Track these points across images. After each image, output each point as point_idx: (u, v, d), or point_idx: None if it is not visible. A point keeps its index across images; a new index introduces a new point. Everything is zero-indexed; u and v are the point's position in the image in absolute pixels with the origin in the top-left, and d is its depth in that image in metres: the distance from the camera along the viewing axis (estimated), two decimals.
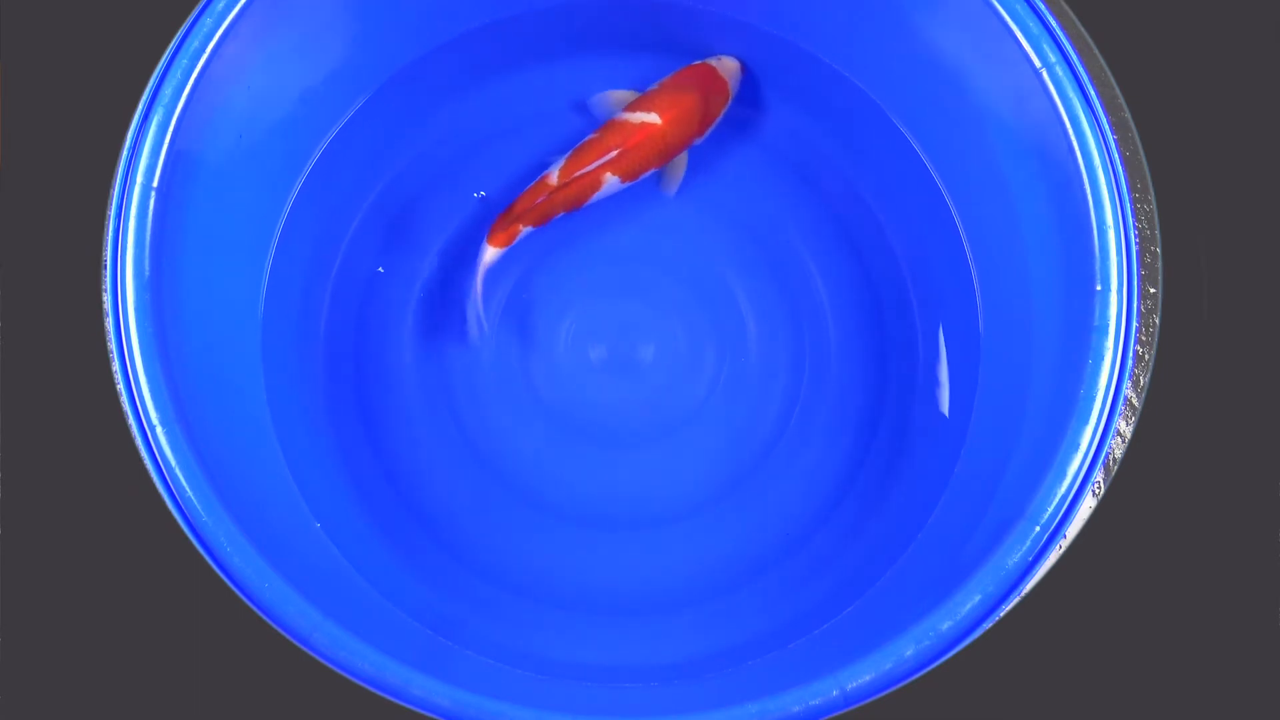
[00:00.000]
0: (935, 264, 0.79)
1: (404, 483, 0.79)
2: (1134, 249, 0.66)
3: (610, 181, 0.78)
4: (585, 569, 0.79)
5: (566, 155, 0.78)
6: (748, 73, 0.81)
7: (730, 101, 0.80)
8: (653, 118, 0.78)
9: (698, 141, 0.80)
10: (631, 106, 0.79)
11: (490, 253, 0.78)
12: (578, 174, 0.78)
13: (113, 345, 0.65)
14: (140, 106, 0.66)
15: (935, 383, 0.78)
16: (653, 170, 0.79)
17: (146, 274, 0.66)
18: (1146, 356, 0.67)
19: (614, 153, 0.78)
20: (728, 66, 0.79)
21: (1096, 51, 0.69)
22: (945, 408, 0.77)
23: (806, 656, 0.71)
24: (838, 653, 0.65)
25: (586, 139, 0.78)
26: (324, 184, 0.78)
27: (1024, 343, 0.72)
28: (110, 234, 0.66)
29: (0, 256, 0.77)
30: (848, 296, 0.81)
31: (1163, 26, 0.79)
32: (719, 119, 0.80)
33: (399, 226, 0.81)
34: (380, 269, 0.80)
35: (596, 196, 0.79)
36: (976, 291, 0.77)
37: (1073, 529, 0.64)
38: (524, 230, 0.78)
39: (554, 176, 0.78)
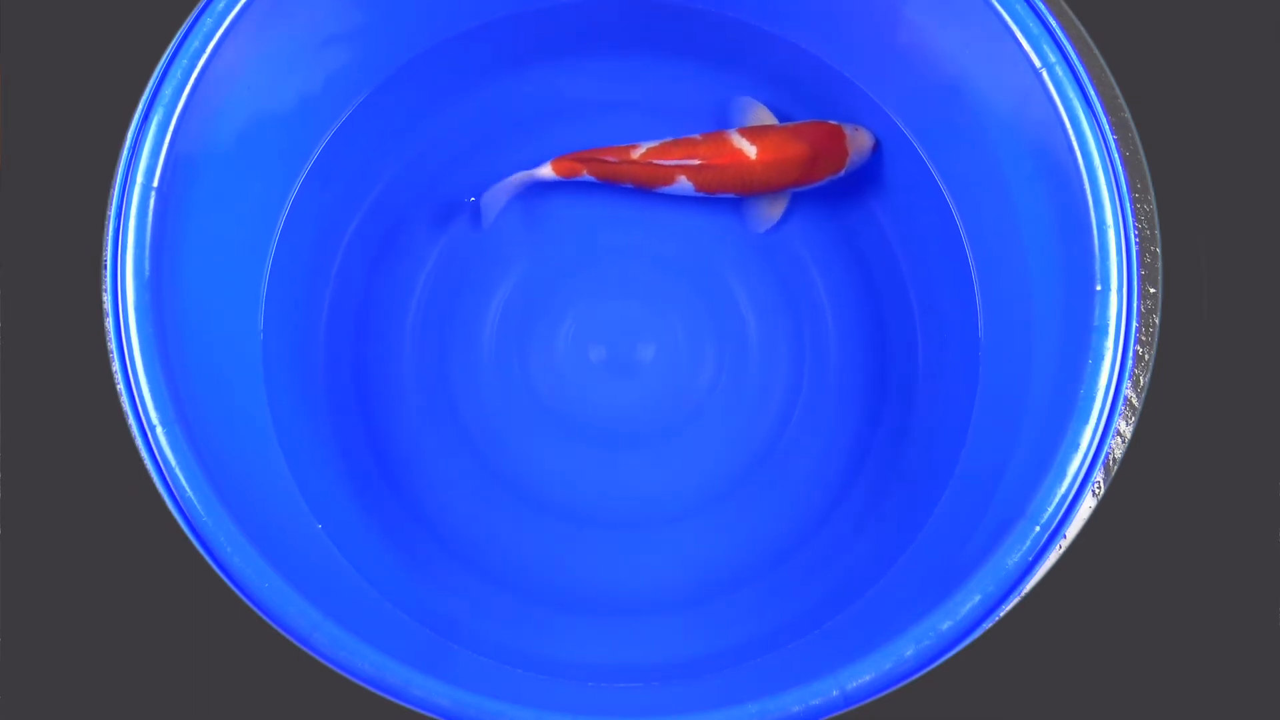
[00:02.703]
0: (935, 264, 0.79)
1: (404, 483, 0.79)
2: (1134, 249, 0.66)
3: (683, 184, 0.79)
4: (585, 569, 0.79)
5: (666, 139, 0.79)
6: (878, 152, 0.80)
7: (845, 171, 0.79)
8: (751, 150, 0.78)
9: (795, 189, 0.80)
10: (746, 130, 0.79)
11: (545, 170, 0.79)
12: (657, 161, 0.78)
13: (113, 345, 0.65)
14: (140, 106, 0.66)
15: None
16: (734, 194, 0.79)
17: (146, 274, 0.66)
18: (1146, 356, 0.67)
19: (698, 161, 0.78)
20: (859, 140, 0.79)
21: (1096, 51, 0.68)
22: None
23: (806, 656, 0.71)
24: (837, 653, 0.65)
25: (692, 135, 0.79)
26: (324, 183, 0.78)
27: (1024, 343, 0.72)
28: (110, 234, 0.66)
29: (0, 256, 0.77)
30: (848, 297, 0.81)
31: (1163, 26, 0.79)
32: (824, 180, 0.79)
33: (399, 225, 0.81)
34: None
35: (668, 189, 0.79)
36: (976, 292, 0.77)
37: (1073, 529, 0.64)
38: (584, 174, 0.79)
39: (640, 150, 0.78)
